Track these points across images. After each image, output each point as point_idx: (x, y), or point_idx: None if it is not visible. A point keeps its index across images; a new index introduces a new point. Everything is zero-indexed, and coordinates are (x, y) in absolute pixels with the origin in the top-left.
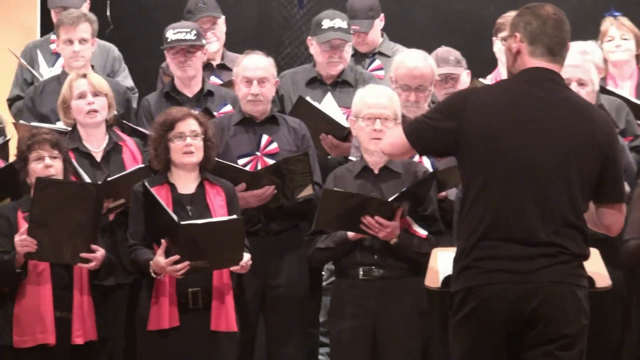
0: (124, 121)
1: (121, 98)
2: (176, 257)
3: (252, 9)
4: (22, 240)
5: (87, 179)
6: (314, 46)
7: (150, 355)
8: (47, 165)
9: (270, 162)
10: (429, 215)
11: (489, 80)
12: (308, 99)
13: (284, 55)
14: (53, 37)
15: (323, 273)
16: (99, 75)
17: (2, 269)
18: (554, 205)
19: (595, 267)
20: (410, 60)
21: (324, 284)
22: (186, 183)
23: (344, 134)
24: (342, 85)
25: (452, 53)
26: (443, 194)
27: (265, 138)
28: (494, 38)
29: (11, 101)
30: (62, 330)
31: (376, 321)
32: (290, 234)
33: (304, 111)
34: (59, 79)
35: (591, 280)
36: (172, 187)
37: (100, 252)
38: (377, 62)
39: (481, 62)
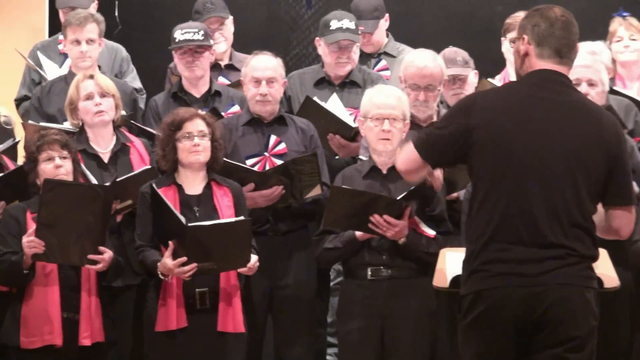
0: (132, 121)
1: (128, 99)
2: (184, 259)
3: (260, 9)
4: (30, 242)
5: (94, 181)
6: (322, 47)
7: (158, 356)
8: (58, 165)
9: (279, 162)
10: (437, 215)
11: (497, 80)
12: (315, 99)
13: (292, 55)
14: (61, 37)
15: (330, 273)
16: (106, 76)
17: (10, 269)
18: (562, 207)
19: (604, 267)
20: (420, 59)
21: (332, 284)
22: (193, 184)
23: (352, 134)
24: (350, 85)
25: (460, 53)
26: (454, 194)
27: (273, 138)
28: (502, 38)
29: (19, 101)
30: (70, 332)
31: (384, 321)
32: (299, 235)
33: (311, 111)
34: (66, 79)
35: (599, 281)
36: (180, 188)
37: (108, 254)
38: (383, 63)
39: (489, 63)
